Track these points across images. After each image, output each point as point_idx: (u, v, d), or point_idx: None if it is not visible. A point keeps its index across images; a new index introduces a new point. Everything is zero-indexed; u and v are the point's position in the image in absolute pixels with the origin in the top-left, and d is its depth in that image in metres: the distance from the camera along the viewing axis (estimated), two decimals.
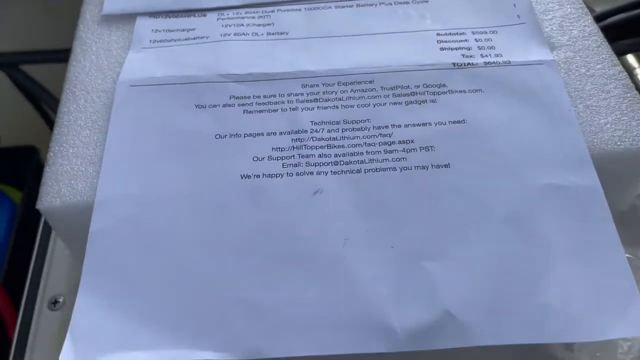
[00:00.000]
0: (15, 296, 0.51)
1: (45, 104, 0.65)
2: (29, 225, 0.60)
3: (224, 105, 0.30)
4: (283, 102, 0.30)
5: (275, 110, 0.30)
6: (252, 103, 0.30)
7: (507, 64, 0.31)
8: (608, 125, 0.29)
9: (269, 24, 0.34)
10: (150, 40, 0.33)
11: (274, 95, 0.30)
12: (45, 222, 0.39)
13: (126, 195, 0.27)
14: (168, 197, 0.27)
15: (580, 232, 0.25)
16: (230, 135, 0.29)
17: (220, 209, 0.27)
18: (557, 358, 0.27)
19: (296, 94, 0.30)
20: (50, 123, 0.68)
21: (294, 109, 0.30)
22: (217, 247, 0.26)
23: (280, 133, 0.29)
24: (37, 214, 0.28)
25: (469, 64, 0.31)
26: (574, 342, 0.26)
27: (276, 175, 0.27)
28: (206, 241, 0.26)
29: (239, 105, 0.30)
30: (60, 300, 0.34)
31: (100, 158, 0.28)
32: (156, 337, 0.23)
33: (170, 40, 0.33)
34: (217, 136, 0.29)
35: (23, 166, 0.61)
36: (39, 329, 0.33)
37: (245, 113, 0.30)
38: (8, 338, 0.48)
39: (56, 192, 0.27)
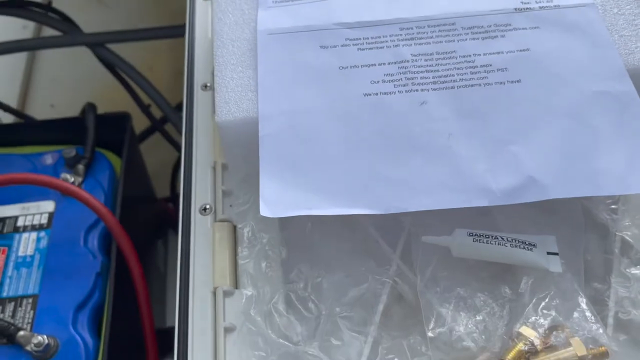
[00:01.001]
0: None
1: (129, 78, 0.74)
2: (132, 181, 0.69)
3: (342, 46, 0.39)
4: (387, 42, 0.39)
5: (382, 48, 0.39)
6: (363, 43, 0.39)
7: (557, 7, 0.40)
8: (638, 49, 0.38)
9: None
10: (273, 1, 0.42)
11: (379, 37, 0.39)
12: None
13: (281, 111, 0.36)
14: (313, 109, 0.36)
15: (622, 120, 0.34)
16: (351, 67, 0.38)
17: (352, 116, 0.36)
18: (605, 222, 0.36)
19: (396, 35, 0.39)
20: (132, 94, 0.77)
21: (396, 46, 0.39)
22: (355, 141, 0.35)
23: (389, 63, 0.38)
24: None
25: (527, 8, 0.40)
26: (622, 194, 0.35)
27: (390, 93, 0.37)
28: (346, 137, 0.35)
29: (353, 45, 0.39)
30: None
31: (255, 86, 0.38)
32: (322, 201, 0.33)
33: (288, 0, 0.42)
34: (341, 67, 0.38)
35: (119, 131, 0.70)
36: (197, 232, 0.42)
37: (359, 50, 0.39)
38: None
39: (228, 110, 0.37)
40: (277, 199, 0.33)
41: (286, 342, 0.32)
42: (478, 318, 0.32)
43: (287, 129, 0.35)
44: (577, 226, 0.35)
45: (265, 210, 0.32)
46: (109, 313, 0.56)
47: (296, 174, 0.34)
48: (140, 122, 0.89)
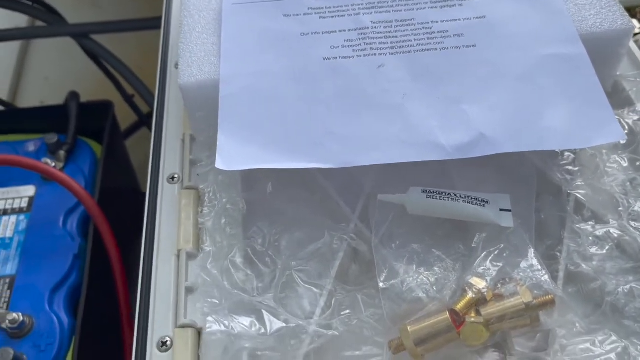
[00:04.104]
0: None
1: (114, 70, 0.76)
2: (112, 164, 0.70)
3: (304, 14, 0.40)
4: (348, 10, 0.40)
5: (343, 16, 0.40)
6: (325, 12, 0.40)
7: None
8: (591, 16, 0.39)
9: None
10: None
11: (341, 6, 0.40)
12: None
13: (242, 73, 0.37)
14: (272, 72, 0.37)
15: (571, 81, 0.35)
16: (312, 33, 0.39)
17: (311, 78, 0.37)
18: (559, 182, 0.37)
19: (358, 4, 0.40)
20: (115, 83, 0.78)
21: (357, 14, 0.40)
22: (311, 101, 0.36)
23: (349, 30, 0.39)
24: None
25: None
26: (565, 149, 0.36)
27: (349, 57, 0.38)
28: (303, 97, 0.36)
29: (315, 13, 0.40)
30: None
31: (218, 52, 0.39)
32: (277, 156, 0.33)
33: None
34: (302, 34, 0.39)
35: (102, 119, 0.71)
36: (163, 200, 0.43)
37: (320, 19, 0.40)
38: None
39: (190, 73, 0.38)
40: (233, 154, 0.33)
41: (240, 293, 0.32)
42: (430, 271, 0.33)
43: (247, 89, 0.36)
44: (530, 186, 0.36)
45: (220, 164, 0.33)
46: (83, 292, 0.56)
47: (253, 131, 0.34)
48: (128, 118, 0.91)
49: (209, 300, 0.32)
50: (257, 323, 0.31)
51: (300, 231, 0.36)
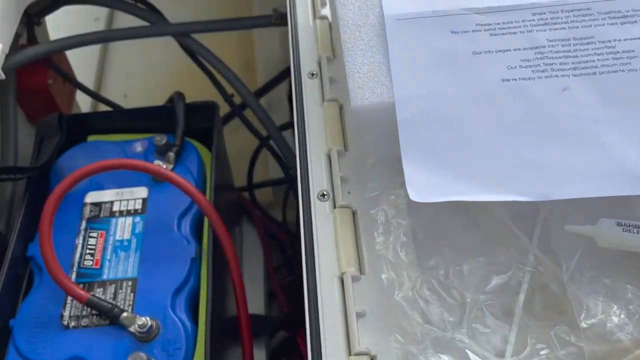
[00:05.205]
0: None
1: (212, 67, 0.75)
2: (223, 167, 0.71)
3: (473, 31, 0.39)
4: (520, 27, 0.38)
5: (515, 33, 0.38)
6: (495, 28, 0.39)
7: None
8: None
9: None
10: None
11: (511, 22, 0.39)
12: None
13: (416, 95, 0.36)
14: (448, 94, 0.36)
15: None
16: (484, 52, 0.38)
17: (491, 102, 0.35)
18: None
19: (529, 20, 0.39)
20: (216, 84, 0.78)
21: (529, 31, 0.38)
22: (496, 128, 0.34)
23: (524, 49, 0.37)
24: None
25: None
26: None
27: (529, 79, 0.36)
28: (487, 123, 0.35)
29: (485, 30, 0.39)
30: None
31: (388, 72, 0.38)
32: (470, 187, 0.32)
33: None
34: (474, 53, 0.38)
35: (205, 120, 0.71)
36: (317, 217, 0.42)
37: (491, 36, 0.38)
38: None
39: (362, 95, 0.37)
40: (424, 185, 0.32)
41: (434, 328, 0.32)
42: (630, 309, 0.31)
43: (425, 113, 0.35)
44: None
45: (414, 196, 0.32)
46: (208, 297, 0.57)
47: (440, 159, 0.33)
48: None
49: (399, 337, 0.31)
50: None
51: (478, 261, 0.35)
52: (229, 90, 0.77)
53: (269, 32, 1.13)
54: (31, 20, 0.69)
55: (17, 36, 0.64)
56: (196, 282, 0.60)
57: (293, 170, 0.75)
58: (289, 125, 0.87)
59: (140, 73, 1.13)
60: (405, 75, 0.37)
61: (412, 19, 0.40)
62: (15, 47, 0.62)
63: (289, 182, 0.82)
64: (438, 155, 0.33)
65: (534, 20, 0.38)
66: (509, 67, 0.37)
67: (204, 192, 0.66)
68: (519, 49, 0.37)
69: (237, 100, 0.79)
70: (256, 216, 0.88)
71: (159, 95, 1.14)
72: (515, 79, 0.36)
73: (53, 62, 0.70)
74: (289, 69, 1.04)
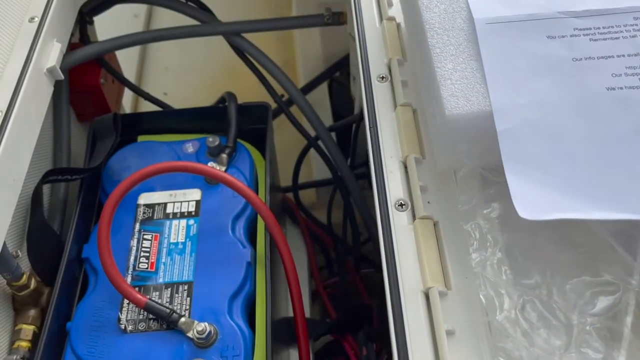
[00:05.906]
0: None
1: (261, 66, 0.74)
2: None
3: (571, 36, 0.37)
4: (622, 32, 0.36)
5: (617, 38, 0.36)
6: (594, 33, 0.37)
7: None
8: None
9: None
10: None
11: (612, 27, 0.37)
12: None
13: (515, 104, 0.34)
14: (549, 103, 0.34)
15: None
16: (585, 59, 0.36)
17: (598, 112, 0.33)
18: None
19: (632, 25, 0.36)
20: (266, 84, 0.77)
21: (633, 37, 0.36)
22: (605, 140, 0.32)
23: (629, 55, 0.35)
24: None
25: None
26: None
27: (637, 87, 0.34)
28: (594, 135, 0.33)
29: (584, 35, 0.37)
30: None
31: (482, 78, 0.36)
32: (581, 204, 0.31)
33: None
34: (574, 59, 0.36)
35: (257, 121, 0.70)
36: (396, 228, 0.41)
37: (591, 41, 0.36)
38: None
39: (456, 104, 0.35)
40: (532, 200, 0.31)
41: (540, 351, 0.30)
42: None
43: (525, 123, 0.33)
44: None
45: (523, 212, 0.30)
46: (267, 303, 0.56)
47: (545, 173, 0.32)
48: None
49: (502, 354, 0.30)
50: None
51: (581, 280, 0.33)
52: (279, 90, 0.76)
53: (309, 30, 1.11)
54: (84, 19, 0.69)
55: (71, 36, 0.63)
56: (252, 287, 0.59)
57: (340, 171, 0.73)
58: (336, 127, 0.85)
59: (179, 70, 1.13)
60: (502, 82, 0.35)
61: (504, 23, 0.38)
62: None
63: (336, 184, 0.80)
64: (544, 169, 0.32)
65: (636, 24, 0.36)
66: (614, 75, 0.35)
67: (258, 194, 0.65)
68: (623, 55, 0.35)
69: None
70: (301, 217, 0.87)
71: (198, 92, 1.14)
72: (621, 88, 0.34)
73: (105, 61, 0.70)
74: (332, 67, 1.02)
